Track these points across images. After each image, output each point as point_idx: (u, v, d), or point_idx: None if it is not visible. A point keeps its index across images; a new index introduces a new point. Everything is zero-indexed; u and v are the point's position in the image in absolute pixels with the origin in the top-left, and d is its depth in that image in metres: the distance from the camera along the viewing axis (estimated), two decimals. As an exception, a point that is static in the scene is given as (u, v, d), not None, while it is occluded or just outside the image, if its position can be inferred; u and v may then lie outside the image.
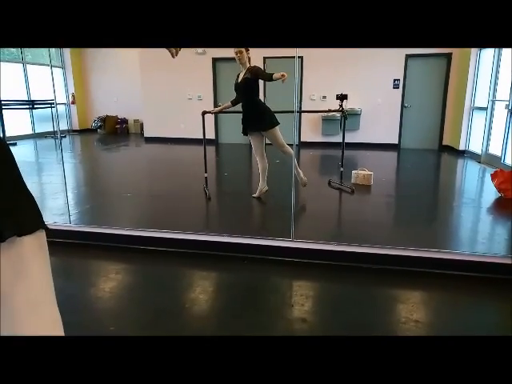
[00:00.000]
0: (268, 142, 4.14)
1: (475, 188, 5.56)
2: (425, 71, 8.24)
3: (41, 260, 0.53)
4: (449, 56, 7.96)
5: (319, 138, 8.71)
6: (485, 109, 6.71)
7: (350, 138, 7.25)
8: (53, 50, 10.49)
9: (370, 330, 2.08)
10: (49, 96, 9.66)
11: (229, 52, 4.02)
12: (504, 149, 5.89)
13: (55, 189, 4.69)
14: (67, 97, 11.33)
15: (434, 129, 8.32)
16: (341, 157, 4.87)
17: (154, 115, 9.48)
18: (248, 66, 3.93)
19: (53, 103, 9.27)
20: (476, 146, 7.01)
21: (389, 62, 8.16)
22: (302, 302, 2.33)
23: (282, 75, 3.58)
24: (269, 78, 3.72)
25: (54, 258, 0.57)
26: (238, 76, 4.06)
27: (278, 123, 4.01)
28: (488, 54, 6.79)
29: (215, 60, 8.88)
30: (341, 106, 4.76)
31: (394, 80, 8.35)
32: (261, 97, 4.26)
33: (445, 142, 8.22)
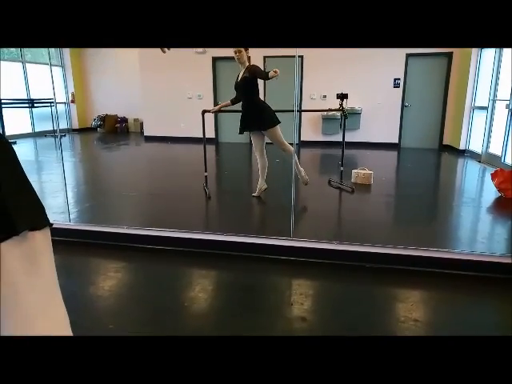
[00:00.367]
0: (269, 140, 4.14)
1: (475, 187, 5.56)
2: (425, 70, 8.23)
3: (49, 255, 0.53)
4: (449, 55, 7.96)
5: (319, 137, 8.71)
6: (485, 108, 6.71)
7: (350, 137, 7.25)
8: (52, 49, 10.48)
9: (369, 328, 2.08)
10: (48, 95, 9.66)
11: (229, 51, 4.03)
12: (504, 148, 5.89)
13: (55, 187, 4.69)
14: (67, 96, 11.32)
15: (434, 128, 8.32)
16: (341, 156, 4.87)
17: (154, 114, 9.48)
18: (247, 65, 3.93)
19: (52, 102, 9.27)
20: (476, 146, 7.01)
21: (389, 61, 8.15)
22: (301, 301, 2.33)
23: (275, 71, 3.59)
24: (265, 76, 3.73)
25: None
26: (238, 75, 4.06)
27: (278, 122, 4.01)
28: (489, 53, 6.79)
29: (215, 59, 8.87)
30: (341, 105, 4.76)
31: (395, 79, 8.35)
32: (261, 96, 4.26)
33: (445, 142, 8.22)
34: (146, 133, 9.75)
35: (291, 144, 4.10)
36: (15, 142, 8.16)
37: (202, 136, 4.52)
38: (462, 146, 7.52)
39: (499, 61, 6.41)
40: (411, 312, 2.20)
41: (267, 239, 2.96)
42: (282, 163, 4.24)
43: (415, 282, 2.59)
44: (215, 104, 8.59)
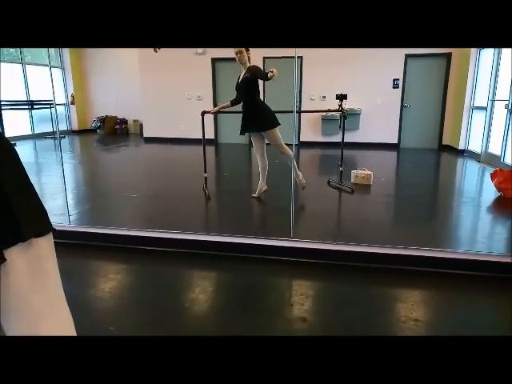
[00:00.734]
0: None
1: (475, 187, 5.56)
2: (424, 71, 8.24)
3: (53, 260, 0.53)
4: (448, 56, 7.97)
5: (319, 138, 8.72)
6: (484, 108, 6.71)
7: (350, 137, 7.25)
8: (52, 50, 10.49)
9: (369, 328, 2.08)
10: (48, 96, 9.66)
11: (228, 52, 4.03)
12: (504, 148, 5.90)
13: (55, 189, 4.69)
14: (66, 97, 11.32)
15: (433, 128, 8.32)
16: (340, 156, 4.87)
17: (154, 115, 9.48)
18: (248, 65, 3.93)
19: (52, 104, 9.26)
20: (476, 146, 7.01)
21: (388, 61, 8.16)
22: (301, 302, 2.33)
23: (271, 71, 3.60)
24: (265, 77, 3.73)
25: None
26: (239, 76, 4.06)
27: (277, 124, 4.00)
28: (488, 53, 6.80)
29: (215, 60, 8.88)
30: (340, 105, 4.76)
31: (394, 80, 8.36)
32: (261, 96, 4.26)
33: (444, 142, 8.23)
34: (146, 134, 9.75)
35: (291, 145, 4.10)
36: (15, 144, 7.99)
37: (201, 137, 4.51)
38: (461, 146, 7.52)
39: (498, 61, 6.42)
40: (411, 312, 2.20)
41: (267, 240, 2.96)
42: (282, 164, 4.23)
43: (415, 281, 2.59)
44: (215, 105, 8.59)
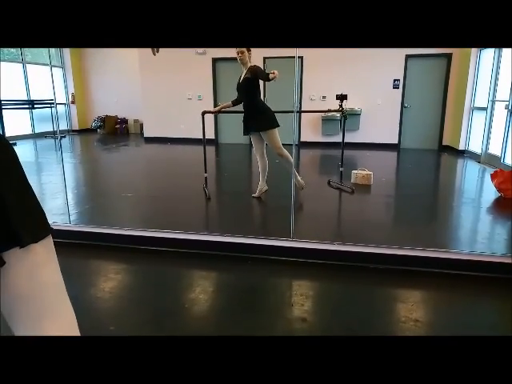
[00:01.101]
0: (267, 142, 4.14)
1: (475, 188, 5.56)
2: (425, 71, 8.24)
3: (53, 263, 0.53)
4: (449, 56, 7.96)
5: (319, 138, 8.71)
6: (485, 109, 6.71)
7: (350, 137, 7.25)
8: (52, 49, 10.49)
9: (369, 329, 2.08)
10: (48, 96, 9.66)
11: (229, 52, 4.03)
12: (504, 149, 5.89)
13: (55, 189, 4.69)
14: (67, 97, 11.33)
15: (433, 129, 8.32)
16: (341, 157, 4.87)
17: (154, 115, 9.48)
18: (249, 65, 3.93)
19: (52, 103, 9.27)
20: (476, 146, 7.01)
21: (389, 62, 8.16)
22: (301, 302, 2.33)
23: (273, 73, 3.60)
24: (266, 77, 3.72)
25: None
26: (240, 76, 4.06)
27: (277, 125, 4.00)
28: (488, 54, 6.80)
29: (215, 60, 8.88)
30: (340, 105, 4.76)
31: (394, 80, 8.36)
32: (261, 96, 4.26)
33: (445, 142, 8.23)
34: (146, 134, 9.75)
35: (291, 145, 4.10)
36: (15, 143, 8.16)
37: (201, 137, 4.51)
38: (461, 147, 7.52)
39: (498, 61, 6.42)
40: (411, 312, 2.20)
41: (267, 240, 2.96)
42: (282, 164, 4.23)
43: (415, 282, 2.59)
44: (215, 105, 8.59)
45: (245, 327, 2.09)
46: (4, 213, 0.46)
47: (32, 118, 9.99)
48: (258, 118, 4.00)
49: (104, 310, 2.30)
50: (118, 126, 11.28)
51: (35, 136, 9.94)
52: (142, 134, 10.49)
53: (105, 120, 11.18)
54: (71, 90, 11.36)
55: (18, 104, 9.73)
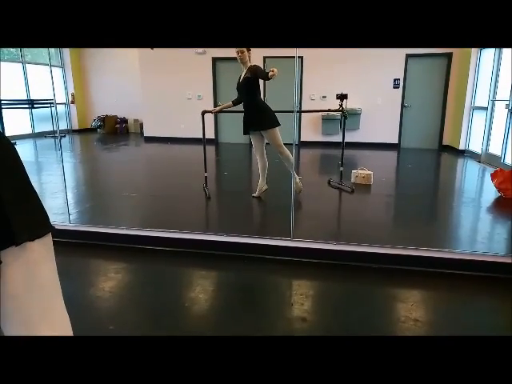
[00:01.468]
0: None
1: (475, 187, 5.56)
2: (425, 71, 8.24)
3: (50, 262, 0.53)
4: (449, 56, 7.96)
5: (319, 138, 8.71)
6: (485, 108, 6.71)
7: (350, 137, 7.24)
8: (52, 49, 10.48)
9: (369, 328, 2.08)
10: (48, 95, 9.65)
11: (229, 51, 4.03)
12: (504, 148, 5.89)
13: (55, 188, 4.69)
14: (67, 96, 11.32)
15: (434, 128, 8.32)
16: (341, 156, 4.87)
17: (154, 115, 9.47)
18: (249, 65, 3.93)
19: (52, 103, 9.26)
20: (476, 146, 7.01)
21: (389, 61, 8.16)
22: (301, 302, 2.33)
23: (272, 71, 3.59)
24: (266, 76, 3.71)
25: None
26: (240, 76, 4.06)
27: (278, 124, 4.00)
28: (488, 53, 6.79)
29: (215, 60, 8.87)
30: (341, 105, 4.76)
31: (394, 80, 8.35)
32: (261, 96, 4.25)
33: (445, 142, 8.22)
34: (146, 133, 9.75)
35: (291, 145, 4.10)
36: (15, 143, 8.11)
37: (201, 137, 4.51)
38: (461, 146, 7.52)
39: (499, 61, 6.41)
40: (411, 312, 2.20)
41: (267, 239, 2.96)
42: (281, 164, 4.23)
43: (415, 281, 2.59)
44: (215, 105, 8.59)
45: (245, 327, 2.09)
46: (1, 211, 0.46)
47: (32, 118, 9.99)
48: (259, 118, 4.00)
49: (104, 310, 2.30)
50: (117, 126, 11.28)
51: (35, 136, 9.93)
52: (141, 133, 10.49)
53: (105, 120, 11.17)
54: (71, 89, 11.35)
55: (18, 104, 9.72)
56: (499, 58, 6.39)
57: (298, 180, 4.25)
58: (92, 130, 11.25)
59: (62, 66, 11.23)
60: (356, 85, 8.27)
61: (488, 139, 6.59)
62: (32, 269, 0.50)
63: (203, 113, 4.42)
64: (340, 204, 4.56)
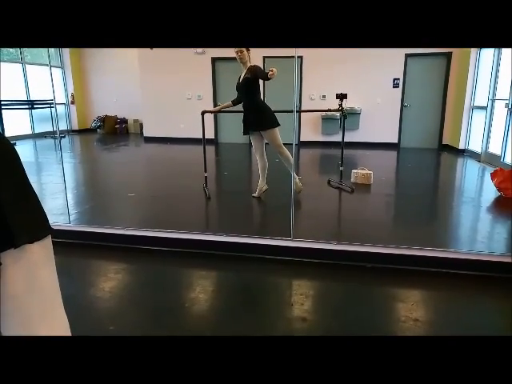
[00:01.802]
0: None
1: (475, 187, 5.56)
2: (425, 70, 8.24)
3: (49, 264, 0.53)
4: (449, 55, 7.96)
5: (319, 138, 8.71)
6: (485, 108, 6.71)
7: (350, 137, 7.24)
8: (52, 50, 10.48)
9: (369, 328, 2.08)
10: (48, 96, 9.65)
11: (228, 52, 4.02)
12: (504, 148, 5.89)
13: (55, 189, 4.69)
14: (67, 97, 11.32)
15: (433, 128, 8.32)
16: (340, 156, 4.87)
17: (154, 115, 9.47)
18: (249, 65, 3.93)
19: (52, 103, 9.26)
20: (476, 145, 7.01)
21: (389, 61, 8.15)
22: (301, 302, 2.33)
23: (271, 70, 3.59)
24: (266, 77, 3.71)
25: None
26: (240, 76, 4.06)
27: (277, 124, 4.00)
28: (488, 53, 6.79)
29: (215, 60, 8.87)
30: (340, 105, 4.76)
31: (394, 79, 8.36)
32: (261, 96, 4.25)
33: (444, 141, 8.23)
34: (146, 134, 9.74)
35: (291, 144, 4.10)
36: (15, 143, 8.11)
37: (201, 137, 4.51)
38: (461, 146, 7.52)
39: (498, 60, 6.41)
40: (411, 312, 2.20)
41: (267, 239, 2.96)
42: (281, 163, 4.23)
43: (415, 281, 2.59)
44: (215, 104, 8.59)
45: (245, 327, 2.09)
46: (0, 212, 0.46)
47: (32, 118, 9.99)
48: (259, 118, 4.00)
49: (104, 310, 2.30)
50: (117, 126, 11.27)
51: (35, 136, 9.93)
52: (141, 133, 10.48)
53: (104, 120, 11.17)
54: (71, 90, 11.35)
55: (18, 104, 9.72)
56: (498, 58, 6.39)
57: (297, 180, 4.25)
58: (92, 131, 11.25)
59: (62, 67, 11.22)
60: (355, 84, 8.27)
61: (488, 138, 6.59)
62: (32, 271, 0.50)
63: (203, 113, 4.42)
64: (340, 204, 4.56)
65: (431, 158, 7.66)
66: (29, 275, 0.50)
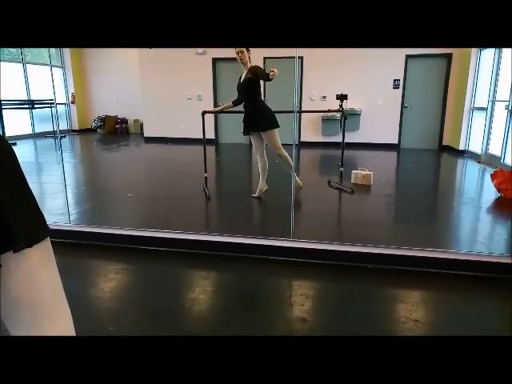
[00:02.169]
0: (267, 142, 4.15)
1: (475, 188, 5.56)
2: (425, 71, 8.24)
3: (50, 265, 0.53)
4: (449, 56, 7.96)
5: (319, 138, 8.71)
6: (485, 109, 6.71)
7: (350, 138, 7.25)
8: (53, 49, 10.49)
9: (369, 329, 2.08)
10: (48, 96, 9.66)
11: (229, 52, 4.03)
12: (504, 149, 5.89)
13: (55, 188, 4.69)
14: (67, 97, 11.33)
15: (433, 129, 8.32)
16: (341, 157, 4.87)
17: (154, 115, 9.48)
18: (249, 65, 3.93)
19: (52, 103, 9.27)
20: (476, 146, 7.01)
21: (389, 62, 8.16)
22: (301, 302, 2.33)
23: (272, 71, 3.59)
24: (267, 77, 3.71)
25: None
26: (240, 77, 4.06)
27: (277, 126, 4.00)
28: (488, 54, 6.80)
29: (215, 60, 8.88)
30: (341, 105, 4.76)
31: (394, 80, 8.36)
32: (261, 96, 4.25)
33: (445, 142, 8.23)
34: (146, 134, 9.75)
35: (291, 145, 4.10)
36: (15, 143, 8.16)
37: (201, 137, 4.51)
38: (461, 147, 7.52)
39: (498, 62, 6.42)
40: (411, 312, 2.20)
41: (267, 240, 2.96)
42: (281, 164, 4.23)
43: (415, 282, 2.59)
44: (215, 105, 8.60)
45: (245, 327, 2.09)
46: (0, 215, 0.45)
47: (32, 118, 9.99)
48: (258, 118, 4.00)
49: (104, 310, 2.30)
50: (117, 126, 11.28)
51: (35, 136, 9.94)
52: (141, 133, 10.49)
53: (105, 120, 11.18)
54: (71, 89, 11.36)
55: (18, 104, 9.73)
56: (499, 59, 6.39)
57: (297, 178, 4.26)
58: (92, 131, 11.25)
59: (63, 66, 11.23)
60: (356, 85, 8.27)
61: (488, 140, 6.59)
62: (32, 273, 0.50)
63: (203, 113, 4.42)
64: (340, 204, 4.56)
65: (431, 159, 7.66)
66: (30, 277, 0.50)
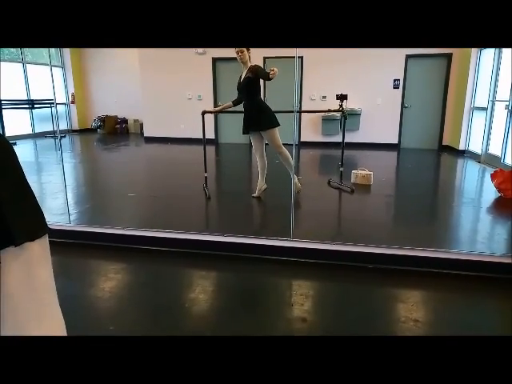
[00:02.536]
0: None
1: (475, 188, 5.56)
2: (425, 71, 8.24)
3: (47, 263, 0.53)
4: (449, 56, 7.96)
5: (319, 138, 8.71)
6: (485, 109, 6.71)
7: (350, 137, 7.25)
8: (53, 49, 10.49)
9: (369, 329, 2.08)
10: (48, 96, 9.66)
11: (229, 52, 4.03)
12: (504, 149, 5.89)
13: (55, 188, 4.69)
14: (67, 96, 11.32)
15: (433, 129, 8.32)
16: (341, 156, 4.87)
17: (154, 115, 9.48)
18: (249, 65, 3.93)
19: (52, 103, 9.27)
20: (476, 146, 7.01)
21: (389, 62, 8.16)
22: (301, 302, 2.33)
23: (272, 70, 3.58)
24: (267, 77, 3.71)
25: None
26: (240, 76, 4.06)
27: (277, 125, 4.00)
28: (488, 54, 6.79)
29: (215, 60, 8.88)
30: (341, 105, 4.76)
31: (394, 80, 8.36)
32: (261, 96, 4.26)
33: (445, 142, 8.23)
34: (146, 134, 9.75)
35: (291, 145, 4.10)
36: (15, 143, 8.15)
37: (201, 137, 4.51)
38: (461, 147, 7.52)
39: (498, 61, 6.42)
40: (411, 312, 2.20)
41: (267, 240, 2.96)
42: (281, 164, 4.23)
43: (415, 282, 2.59)
44: (215, 105, 8.60)
45: (245, 327, 2.09)
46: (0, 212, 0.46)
47: (32, 118, 9.99)
48: (259, 118, 4.00)
49: (104, 310, 2.30)
50: (117, 126, 11.28)
51: (35, 136, 9.94)
52: (141, 133, 10.49)
53: (105, 120, 11.18)
54: (71, 89, 11.35)
55: (18, 104, 9.73)
56: (499, 58, 6.39)
57: (297, 180, 4.25)
58: (92, 131, 11.25)
59: (63, 66, 11.23)
60: (356, 85, 8.27)
61: (488, 139, 6.59)
62: (30, 269, 0.50)
63: (203, 113, 4.42)
64: (340, 204, 4.56)
65: (431, 159, 7.66)
66: (27, 273, 0.50)
